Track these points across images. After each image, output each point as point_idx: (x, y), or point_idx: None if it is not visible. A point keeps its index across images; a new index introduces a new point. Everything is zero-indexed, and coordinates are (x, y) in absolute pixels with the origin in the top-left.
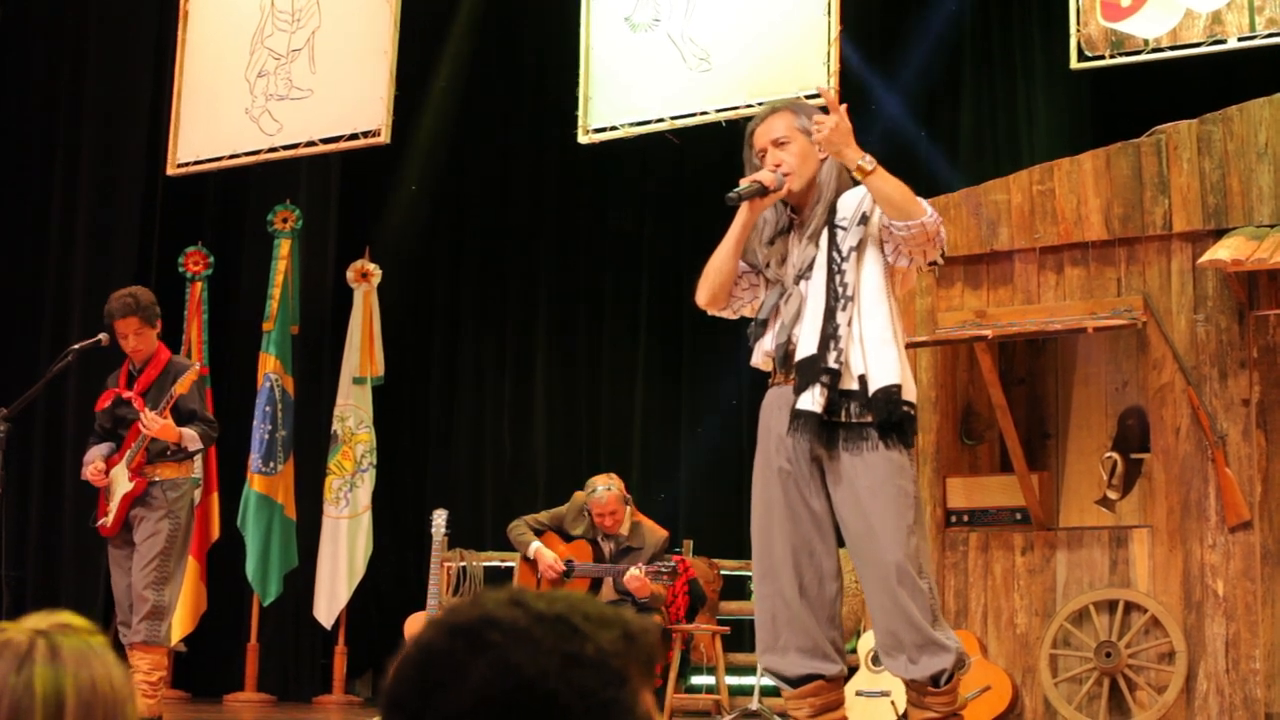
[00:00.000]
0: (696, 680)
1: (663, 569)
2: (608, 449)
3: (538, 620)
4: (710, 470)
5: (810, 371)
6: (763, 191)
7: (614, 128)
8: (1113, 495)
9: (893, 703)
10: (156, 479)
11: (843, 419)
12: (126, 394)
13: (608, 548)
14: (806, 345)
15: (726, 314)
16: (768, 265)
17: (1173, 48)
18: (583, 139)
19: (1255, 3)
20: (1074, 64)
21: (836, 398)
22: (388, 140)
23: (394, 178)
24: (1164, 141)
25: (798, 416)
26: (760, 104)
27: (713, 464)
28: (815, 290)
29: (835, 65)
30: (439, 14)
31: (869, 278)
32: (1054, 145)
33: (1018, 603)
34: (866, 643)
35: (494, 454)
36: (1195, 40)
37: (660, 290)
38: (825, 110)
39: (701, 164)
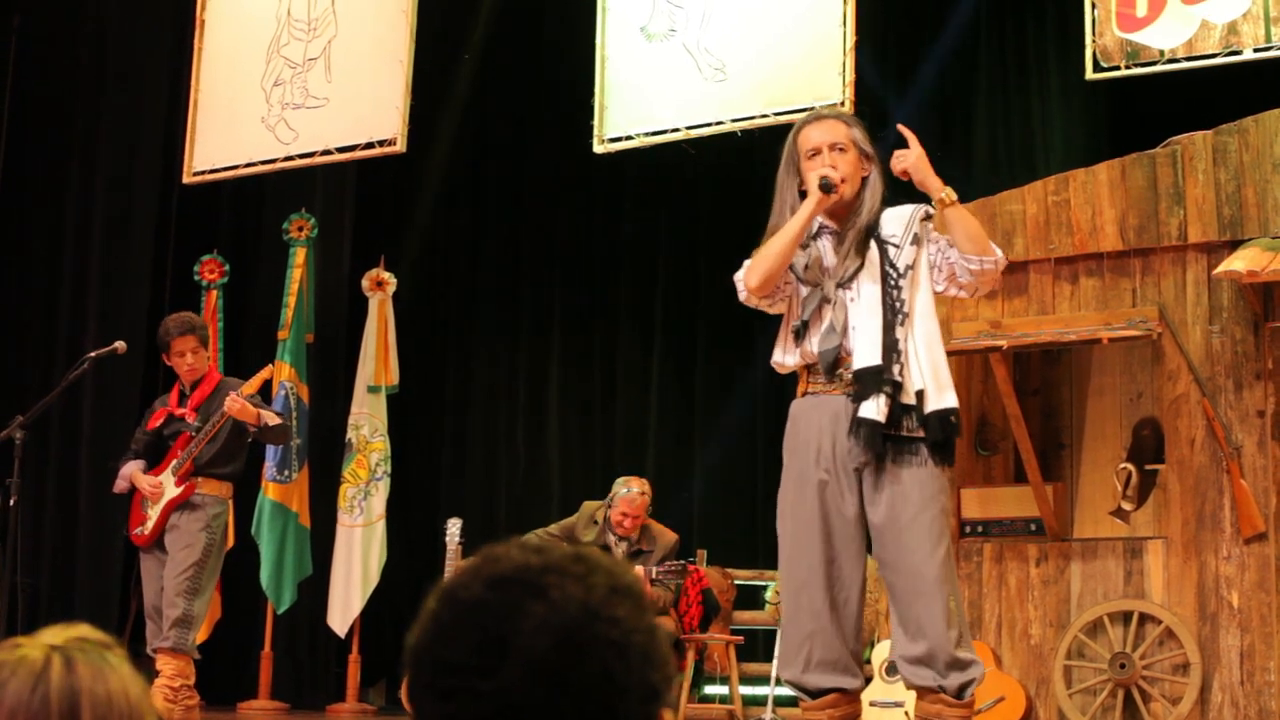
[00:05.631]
0: (710, 690)
1: (672, 567)
2: (622, 458)
3: (573, 560)
4: (724, 480)
5: (873, 381)
6: (834, 188)
7: (629, 137)
8: (1127, 506)
9: (906, 713)
10: (200, 491)
11: (895, 432)
12: (179, 411)
13: (619, 552)
14: (867, 355)
15: (764, 305)
16: (806, 268)
17: (1188, 58)
18: (598, 149)
19: (1271, 14)
20: (1089, 74)
21: (897, 410)
22: (403, 149)
23: (409, 187)
24: (1179, 152)
25: (860, 425)
26: (776, 114)
27: (727, 474)
28: (868, 302)
29: (850, 75)
30: (455, 23)
31: (921, 297)
32: (1069, 156)
33: (1032, 613)
34: (881, 653)
35: (508, 462)
36: (1211, 51)
37: (675, 300)
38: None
39: (717, 174)
